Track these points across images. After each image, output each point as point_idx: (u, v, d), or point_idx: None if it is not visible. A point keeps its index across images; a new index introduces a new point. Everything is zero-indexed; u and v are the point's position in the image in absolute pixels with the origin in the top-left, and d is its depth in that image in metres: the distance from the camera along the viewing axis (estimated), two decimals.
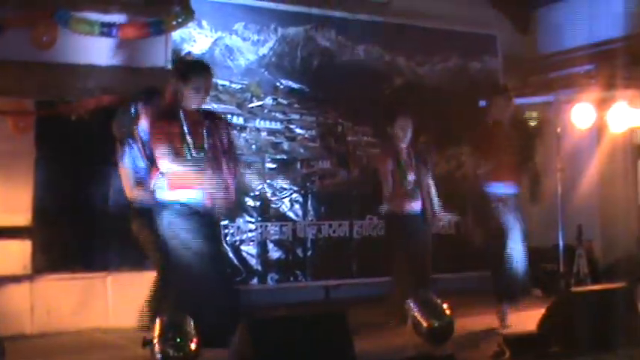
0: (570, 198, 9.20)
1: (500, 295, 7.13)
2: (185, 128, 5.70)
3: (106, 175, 7.42)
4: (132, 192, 6.43)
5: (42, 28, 7.12)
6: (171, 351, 4.47)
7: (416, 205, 7.39)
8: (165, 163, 5.64)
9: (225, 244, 8.09)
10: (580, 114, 9.00)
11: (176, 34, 7.92)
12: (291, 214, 8.72)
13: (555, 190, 8.84)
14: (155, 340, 4.51)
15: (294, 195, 8.78)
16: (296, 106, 8.79)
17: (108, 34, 7.33)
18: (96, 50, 7.40)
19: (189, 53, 8.13)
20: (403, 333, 5.55)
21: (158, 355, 4.47)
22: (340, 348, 4.79)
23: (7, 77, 6.98)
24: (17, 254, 7.13)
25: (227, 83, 8.36)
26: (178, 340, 4.51)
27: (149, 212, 6.05)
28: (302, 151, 8.83)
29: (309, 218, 8.84)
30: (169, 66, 7.73)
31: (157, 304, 6.26)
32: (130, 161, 6.45)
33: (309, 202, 8.85)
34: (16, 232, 7.13)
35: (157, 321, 4.69)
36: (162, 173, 5.71)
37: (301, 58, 8.90)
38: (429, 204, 7.46)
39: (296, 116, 8.76)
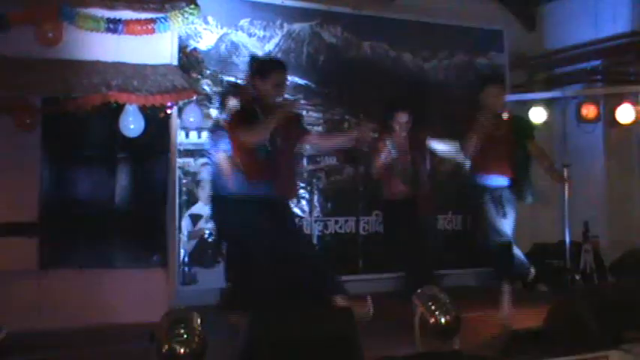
0: (577, 194, 9.18)
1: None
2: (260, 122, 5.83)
3: (113, 171, 7.45)
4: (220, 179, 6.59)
5: (47, 24, 7.12)
6: (178, 347, 4.46)
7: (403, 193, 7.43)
8: (242, 157, 5.82)
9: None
10: (587, 110, 8.99)
11: (182, 30, 7.92)
12: (297, 210, 8.72)
13: (562, 186, 8.82)
14: (162, 336, 4.51)
15: (301, 191, 8.77)
16: (302, 102, 8.78)
17: (113, 31, 7.35)
18: (102, 46, 7.41)
19: (195, 49, 8.15)
20: (410, 328, 5.53)
21: (165, 351, 4.46)
22: (346, 343, 4.78)
23: (13, 74, 6.98)
24: (24, 250, 7.14)
25: (233, 79, 8.36)
26: (185, 336, 4.50)
27: (231, 202, 6.23)
28: (308, 147, 8.81)
29: (316, 214, 8.84)
30: (175, 62, 7.75)
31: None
32: (217, 150, 6.62)
33: (316, 198, 8.85)
34: (22, 228, 7.15)
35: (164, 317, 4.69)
36: (239, 166, 5.88)
37: (307, 54, 8.90)
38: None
39: (302, 112, 8.75)
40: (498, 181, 7.17)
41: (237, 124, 5.95)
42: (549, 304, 5.94)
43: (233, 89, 6.97)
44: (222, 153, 6.45)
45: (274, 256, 5.79)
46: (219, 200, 6.44)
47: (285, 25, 8.79)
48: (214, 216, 6.70)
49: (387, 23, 9.45)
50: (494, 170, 7.17)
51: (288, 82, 6.20)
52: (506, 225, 7.14)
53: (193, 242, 8.11)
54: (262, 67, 6.13)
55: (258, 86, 5.99)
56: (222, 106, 7.13)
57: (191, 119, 7.85)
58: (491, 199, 7.12)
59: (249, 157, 5.89)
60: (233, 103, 6.64)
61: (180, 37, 7.94)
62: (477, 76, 9.42)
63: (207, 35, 8.29)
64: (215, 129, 6.82)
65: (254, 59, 6.53)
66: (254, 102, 6.01)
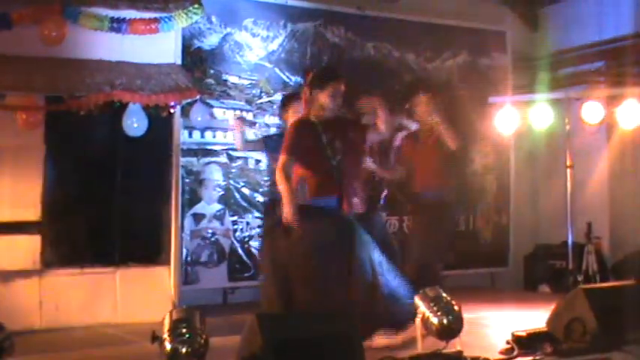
0: (580, 195, 9.19)
1: None
2: (321, 135, 5.81)
3: (116, 170, 7.46)
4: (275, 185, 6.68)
5: (51, 23, 7.12)
6: (180, 346, 4.47)
7: None
8: (303, 170, 5.82)
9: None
10: (589, 111, 8.98)
11: (185, 30, 7.93)
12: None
13: (564, 187, 8.83)
14: (164, 335, 4.51)
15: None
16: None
17: (117, 30, 7.35)
18: (105, 46, 7.41)
19: (198, 49, 8.15)
20: (412, 329, 5.53)
21: (167, 351, 4.46)
22: (348, 343, 4.78)
23: (16, 73, 6.99)
24: (26, 249, 7.14)
25: (236, 79, 8.36)
26: (187, 335, 4.50)
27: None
28: None
29: None
30: (179, 61, 7.76)
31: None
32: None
33: None
34: (25, 227, 7.14)
35: (167, 316, 4.69)
36: (301, 179, 5.84)
37: (310, 54, 8.88)
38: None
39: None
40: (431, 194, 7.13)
41: (296, 137, 5.92)
42: (551, 306, 5.93)
43: (290, 99, 6.95)
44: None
45: (340, 269, 5.76)
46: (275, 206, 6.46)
47: (289, 25, 8.77)
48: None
49: (390, 23, 9.43)
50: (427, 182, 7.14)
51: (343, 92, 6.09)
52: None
53: (196, 241, 8.11)
54: (319, 78, 6.08)
55: (316, 97, 5.95)
56: (281, 115, 7.19)
57: (199, 118, 7.88)
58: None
59: (313, 171, 5.86)
60: (291, 113, 6.69)
61: (184, 37, 7.94)
62: (491, 84, 9.45)
63: (210, 35, 8.29)
64: (274, 140, 6.87)
65: (311, 70, 6.51)
66: (313, 115, 5.97)
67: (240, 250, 8.27)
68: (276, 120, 8.53)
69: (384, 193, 7.45)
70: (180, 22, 7.61)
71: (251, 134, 8.33)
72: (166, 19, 7.51)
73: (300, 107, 6.43)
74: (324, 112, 5.90)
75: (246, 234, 8.32)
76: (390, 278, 5.81)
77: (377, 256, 5.82)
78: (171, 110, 7.51)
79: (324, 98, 5.88)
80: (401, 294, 5.76)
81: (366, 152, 6.43)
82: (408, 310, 5.58)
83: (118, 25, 7.33)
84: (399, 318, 5.77)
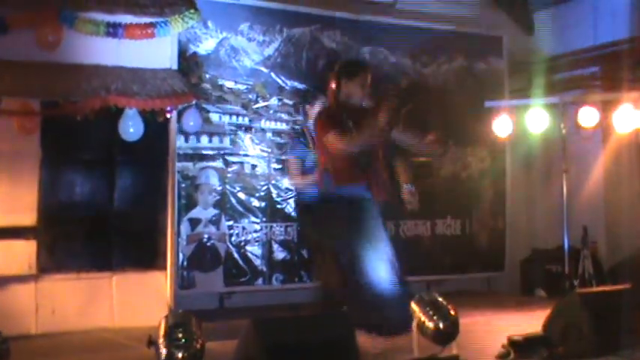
0: (575, 199, 9.19)
1: None
2: (349, 124, 5.95)
3: (112, 175, 7.47)
4: (296, 180, 7.11)
5: (47, 28, 7.13)
6: (176, 351, 4.46)
7: None
8: (330, 159, 5.99)
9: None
10: (585, 115, 8.99)
11: (181, 35, 7.93)
12: (296, 215, 8.69)
13: (560, 191, 8.84)
14: (160, 340, 4.51)
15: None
16: (301, 106, 8.77)
17: (113, 35, 7.35)
18: (101, 50, 7.41)
19: (194, 53, 8.14)
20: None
21: (163, 355, 4.46)
22: (344, 348, 4.79)
23: (12, 78, 6.98)
24: (22, 254, 7.13)
25: (232, 84, 8.36)
26: (184, 340, 4.50)
27: (314, 207, 6.38)
28: None
29: None
30: (175, 66, 7.75)
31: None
32: (298, 153, 7.09)
33: None
34: (21, 232, 7.13)
35: (163, 321, 4.69)
36: (327, 168, 6.02)
37: (307, 59, 8.88)
38: None
39: (301, 117, 8.72)
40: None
41: (326, 128, 6.01)
42: (548, 310, 5.94)
43: (317, 92, 7.06)
44: (303, 158, 6.91)
45: (364, 258, 5.83)
46: (306, 205, 6.76)
47: (285, 29, 8.77)
48: (301, 221, 7.40)
49: (386, 28, 9.43)
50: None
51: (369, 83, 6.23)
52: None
53: (192, 246, 8.11)
54: (349, 68, 6.21)
55: (344, 88, 6.05)
56: (308, 108, 7.47)
57: (191, 123, 7.86)
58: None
59: (338, 160, 5.97)
60: (318, 105, 6.78)
61: (180, 42, 7.94)
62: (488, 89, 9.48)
63: (206, 40, 8.28)
64: (297, 135, 7.18)
65: (339, 61, 6.65)
66: (340, 104, 6.08)
67: (236, 255, 8.27)
68: (272, 124, 8.55)
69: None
70: (176, 26, 7.62)
71: (247, 139, 8.35)
72: (162, 24, 7.51)
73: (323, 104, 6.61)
74: (350, 101, 5.99)
75: (242, 239, 8.32)
76: (390, 278, 5.86)
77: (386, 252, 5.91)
78: (168, 115, 7.52)
79: (353, 87, 6.01)
80: (397, 298, 5.79)
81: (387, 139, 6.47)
82: (402, 317, 5.62)
83: (114, 30, 7.33)
84: (393, 322, 5.81)
